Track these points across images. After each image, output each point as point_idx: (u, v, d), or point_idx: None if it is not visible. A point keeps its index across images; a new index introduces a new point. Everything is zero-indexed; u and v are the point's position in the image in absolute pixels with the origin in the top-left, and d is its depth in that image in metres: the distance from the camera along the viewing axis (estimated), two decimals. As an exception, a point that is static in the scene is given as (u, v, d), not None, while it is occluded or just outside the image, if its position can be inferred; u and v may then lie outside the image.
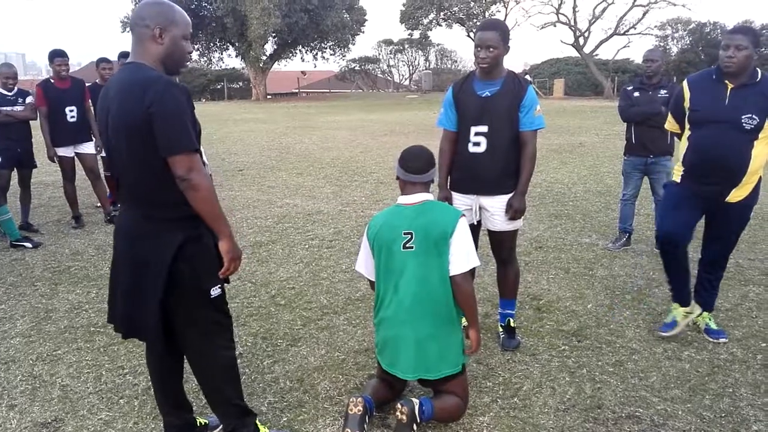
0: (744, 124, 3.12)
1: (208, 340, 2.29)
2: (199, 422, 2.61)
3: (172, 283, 2.11)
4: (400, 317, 2.62)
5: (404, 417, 2.46)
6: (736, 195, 3.26)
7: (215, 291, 2.22)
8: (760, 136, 3.16)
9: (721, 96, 3.19)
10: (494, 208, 3.28)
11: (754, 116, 3.11)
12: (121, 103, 2.06)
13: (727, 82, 3.19)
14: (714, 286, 3.58)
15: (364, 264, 2.82)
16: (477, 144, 3.23)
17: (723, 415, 2.74)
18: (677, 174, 3.45)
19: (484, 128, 3.19)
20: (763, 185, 3.37)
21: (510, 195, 3.26)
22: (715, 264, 3.53)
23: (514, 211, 3.25)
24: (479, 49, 3.13)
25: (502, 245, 3.41)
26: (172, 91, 2.01)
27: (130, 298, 2.19)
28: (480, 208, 3.35)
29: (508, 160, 3.23)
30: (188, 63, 2.44)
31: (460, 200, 3.36)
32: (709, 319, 3.57)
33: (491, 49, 3.09)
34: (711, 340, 3.46)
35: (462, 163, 3.31)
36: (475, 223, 3.33)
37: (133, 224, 2.20)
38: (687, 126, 3.38)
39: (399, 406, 2.50)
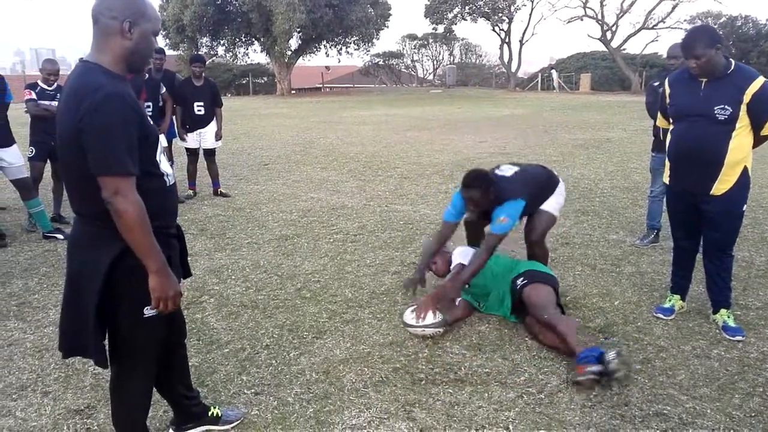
0: (717, 115, 3.19)
1: (130, 362, 2.18)
2: (212, 412, 2.61)
3: (108, 295, 1.97)
4: None
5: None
6: (719, 188, 3.31)
7: (149, 311, 2.03)
8: (737, 126, 3.20)
9: (696, 90, 3.31)
10: None
11: (726, 107, 3.17)
12: (62, 109, 1.94)
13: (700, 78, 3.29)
14: (724, 279, 3.53)
15: None
16: None
17: (753, 414, 2.70)
18: (666, 171, 3.59)
19: None
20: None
21: None
22: (715, 255, 3.51)
23: None
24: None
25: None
26: (108, 104, 1.80)
27: (67, 311, 2.08)
28: None
29: None
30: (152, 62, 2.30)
31: None
32: (728, 317, 3.53)
33: (474, 207, 3.65)
34: (728, 337, 3.41)
35: None
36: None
37: (75, 233, 2.07)
38: (671, 121, 3.52)
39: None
